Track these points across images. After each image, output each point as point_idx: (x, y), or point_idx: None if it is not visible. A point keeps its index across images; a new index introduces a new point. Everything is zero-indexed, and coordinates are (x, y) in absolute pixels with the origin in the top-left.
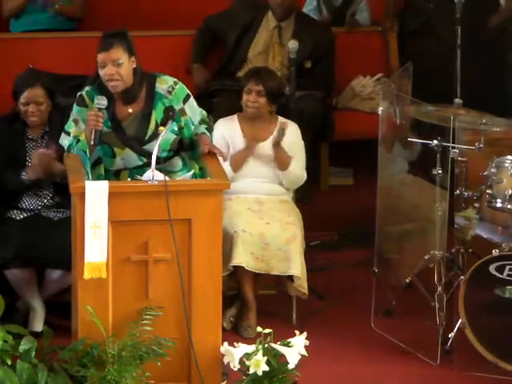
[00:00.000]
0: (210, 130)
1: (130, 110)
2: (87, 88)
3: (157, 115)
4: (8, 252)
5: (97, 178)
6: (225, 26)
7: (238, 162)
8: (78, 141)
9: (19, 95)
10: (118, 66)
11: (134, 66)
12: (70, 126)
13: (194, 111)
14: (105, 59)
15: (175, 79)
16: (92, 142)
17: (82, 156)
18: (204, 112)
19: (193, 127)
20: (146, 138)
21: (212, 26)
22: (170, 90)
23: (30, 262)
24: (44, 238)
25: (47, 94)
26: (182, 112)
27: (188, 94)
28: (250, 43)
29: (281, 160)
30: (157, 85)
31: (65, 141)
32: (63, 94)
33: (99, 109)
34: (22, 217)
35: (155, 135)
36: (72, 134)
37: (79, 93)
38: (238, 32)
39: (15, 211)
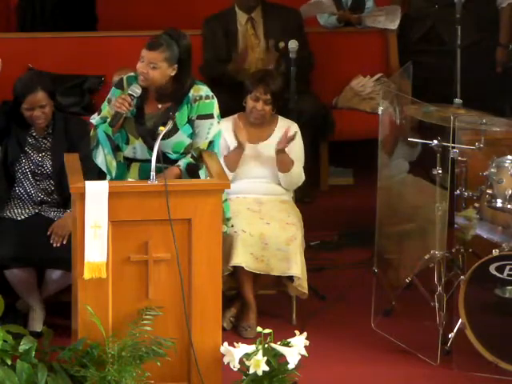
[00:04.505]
0: (193, 168)
1: (159, 106)
2: (130, 73)
3: (180, 116)
4: (8, 252)
5: (116, 162)
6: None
7: (231, 161)
8: (105, 122)
9: (21, 100)
10: (152, 68)
11: (173, 73)
12: (105, 106)
13: (200, 133)
14: (144, 56)
15: (211, 94)
16: (111, 123)
17: (104, 138)
18: (216, 143)
19: (187, 143)
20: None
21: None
22: (198, 98)
23: (30, 262)
24: (44, 238)
25: (49, 96)
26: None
27: (210, 115)
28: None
29: (283, 163)
30: (191, 90)
31: (94, 119)
32: (63, 93)
33: (130, 95)
34: (22, 217)
35: (170, 134)
36: (102, 114)
37: (122, 76)
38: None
39: (15, 210)
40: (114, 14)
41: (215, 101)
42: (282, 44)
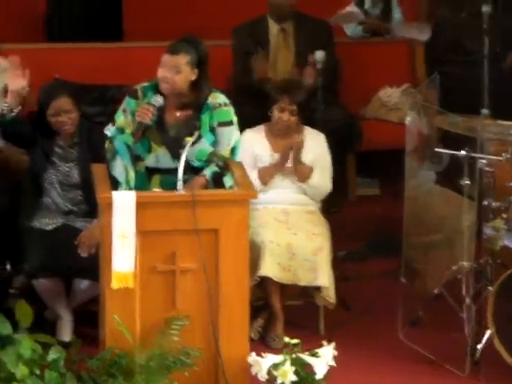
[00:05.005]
0: (218, 177)
1: (178, 114)
2: (144, 84)
3: (201, 124)
4: (36, 262)
5: (135, 173)
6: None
7: (267, 176)
8: (122, 132)
9: (45, 107)
10: (174, 73)
11: (194, 78)
12: (119, 116)
13: (222, 140)
14: (166, 61)
15: (228, 101)
16: (133, 133)
17: (122, 149)
18: (237, 150)
19: (209, 150)
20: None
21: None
22: (217, 106)
23: (58, 272)
24: (72, 247)
25: (73, 102)
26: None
27: (230, 122)
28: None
29: (299, 172)
30: (209, 98)
31: (109, 130)
32: (89, 103)
33: (152, 104)
34: (50, 227)
35: (194, 142)
36: (117, 125)
37: (134, 87)
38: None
39: (43, 220)
40: (140, 25)
41: (232, 108)
42: (311, 58)
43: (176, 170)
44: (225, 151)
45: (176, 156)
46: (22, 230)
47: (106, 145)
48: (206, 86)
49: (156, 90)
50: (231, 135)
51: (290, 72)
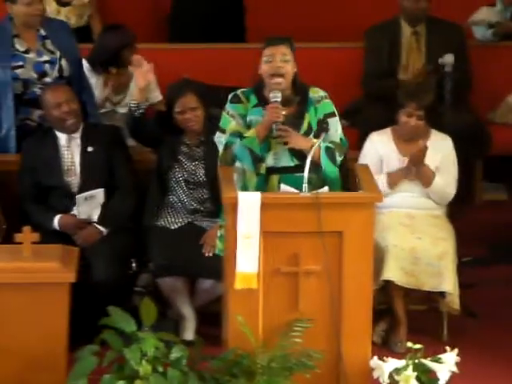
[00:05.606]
0: (331, 150)
1: (284, 113)
2: (242, 89)
3: (310, 118)
4: (161, 261)
5: (256, 175)
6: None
7: (395, 180)
8: (239, 137)
9: (172, 105)
10: (285, 62)
11: (295, 70)
12: (226, 123)
13: (331, 131)
14: (274, 52)
15: (326, 93)
16: (274, 134)
17: (243, 153)
18: (344, 139)
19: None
20: None
21: None
22: (319, 99)
23: (182, 272)
24: (196, 247)
25: (199, 100)
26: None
27: (333, 113)
28: (399, 58)
29: (423, 176)
30: (309, 92)
31: (221, 138)
32: (217, 104)
33: (276, 101)
34: (175, 226)
35: (306, 136)
36: (230, 131)
37: (232, 93)
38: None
39: (168, 219)
40: (263, 25)
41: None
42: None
43: (293, 168)
44: (335, 138)
45: (293, 151)
46: (147, 229)
47: (220, 153)
48: (299, 78)
49: (255, 93)
50: (337, 125)
51: (421, 75)
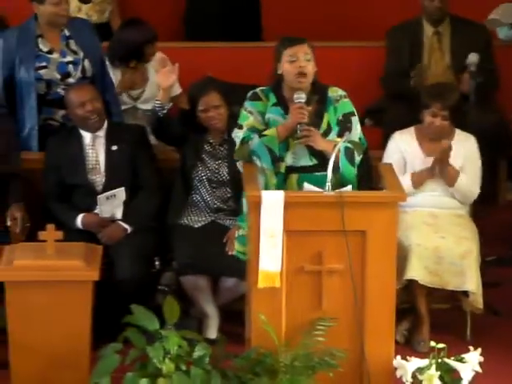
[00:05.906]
0: (350, 150)
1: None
2: (261, 88)
3: (329, 117)
4: (184, 259)
5: (275, 175)
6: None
7: (420, 180)
8: (257, 133)
9: (196, 104)
10: (307, 62)
11: (316, 69)
12: (244, 119)
13: (351, 130)
14: (297, 52)
15: (345, 93)
16: (297, 135)
17: (263, 152)
18: (363, 138)
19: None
20: None
21: None
22: (338, 98)
23: (205, 270)
24: (219, 246)
25: (222, 98)
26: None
27: (352, 112)
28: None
29: (447, 175)
30: (328, 92)
31: (239, 133)
32: (240, 103)
33: (300, 102)
34: (199, 225)
35: (326, 135)
36: (247, 126)
37: (251, 91)
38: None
39: (192, 218)
40: (280, 24)
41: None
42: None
43: (312, 167)
44: (354, 137)
45: (312, 150)
46: (170, 227)
47: (237, 147)
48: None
49: (274, 92)
50: (356, 124)
51: (445, 75)
